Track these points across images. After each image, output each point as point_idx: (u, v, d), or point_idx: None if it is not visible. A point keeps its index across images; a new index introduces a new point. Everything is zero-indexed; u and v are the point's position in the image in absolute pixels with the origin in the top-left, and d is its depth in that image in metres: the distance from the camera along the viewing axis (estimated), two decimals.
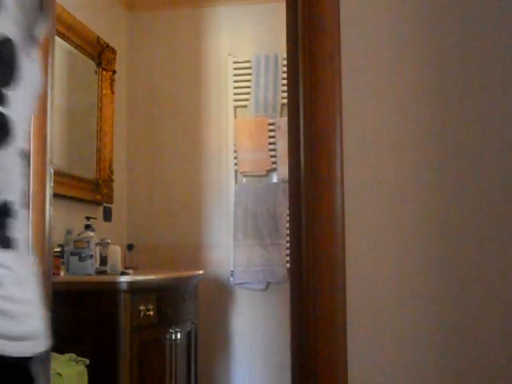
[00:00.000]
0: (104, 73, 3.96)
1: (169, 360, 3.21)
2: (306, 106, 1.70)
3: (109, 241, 3.35)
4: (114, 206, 4.04)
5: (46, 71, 1.86)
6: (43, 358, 0.85)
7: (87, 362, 2.57)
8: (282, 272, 4.00)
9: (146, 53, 4.36)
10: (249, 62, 4.12)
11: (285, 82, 3.81)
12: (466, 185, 1.61)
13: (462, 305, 1.59)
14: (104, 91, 3.94)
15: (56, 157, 2.15)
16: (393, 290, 1.63)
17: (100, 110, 3.90)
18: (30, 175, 0.95)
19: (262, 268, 4.02)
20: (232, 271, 4.05)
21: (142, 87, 4.35)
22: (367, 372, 1.62)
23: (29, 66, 0.90)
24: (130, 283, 2.88)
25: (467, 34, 1.64)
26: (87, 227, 3.23)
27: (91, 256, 3.05)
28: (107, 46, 3.98)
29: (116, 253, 3.22)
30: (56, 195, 2.16)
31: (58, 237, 3.04)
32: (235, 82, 4.15)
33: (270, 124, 4.08)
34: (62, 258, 3.08)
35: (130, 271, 3.21)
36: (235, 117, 4.17)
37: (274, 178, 4.11)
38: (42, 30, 0.94)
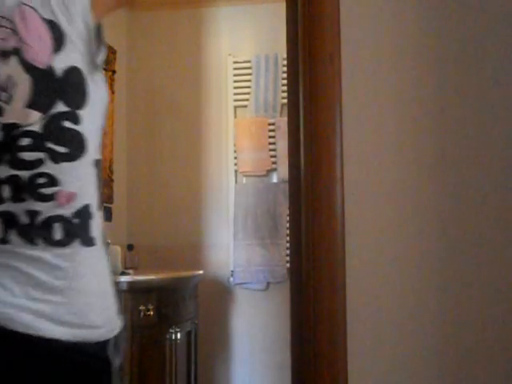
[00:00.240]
0: (104, 73, 3.96)
1: (169, 360, 3.21)
2: (306, 106, 1.70)
3: (109, 241, 3.34)
4: (114, 206, 4.03)
5: None
6: (116, 340, 1.02)
7: None
8: (282, 272, 4.00)
9: (145, 53, 4.36)
10: (249, 62, 4.12)
11: (285, 82, 3.81)
12: (467, 184, 1.61)
13: (463, 304, 1.59)
14: None
15: None
16: (393, 290, 1.63)
17: None
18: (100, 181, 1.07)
19: (262, 268, 4.02)
20: (232, 271, 4.06)
21: (142, 87, 4.35)
22: (367, 372, 1.62)
23: (94, 88, 1.07)
24: (130, 283, 2.88)
25: (468, 34, 1.64)
26: None
27: None
28: (107, 45, 3.98)
29: (116, 253, 3.22)
30: None
31: None
32: (235, 81, 4.15)
33: (269, 124, 4.08)
34: None
35: (130, 271, 3.21)
36: (235, 117, 4.17)
37: (274, 178, 4.11)
38: (101, 57, 1.12)
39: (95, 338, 1.01)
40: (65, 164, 1.03)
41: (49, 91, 1.02)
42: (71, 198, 1.04)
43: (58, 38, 1.03)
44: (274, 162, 4.08)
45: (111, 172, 3.99)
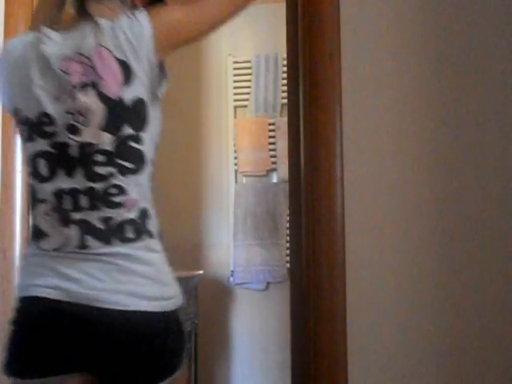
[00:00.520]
0: None
1: None
2: (306, 106, 1.70)
3: None
4: None
5: None
6: (182, 308, 1.32)
7: None
8: (282, 272, 4.00)
9: None
10: (249, 62, 4.12)
11: (285, 82, 3.81)
12: (467, 184, 1.61)
13: (462, 304, 1.59)
14: None
15: None
16: (393, 290, 1.63)
17: None
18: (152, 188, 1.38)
19: (262, 268, 4.01)
20: (232, 271, 4.05)
21: None
22: (367, 372, 1.62)
23: (153, 114, 1.31)
24: None
25: (468, 33, 1.64)
26: None
27: None
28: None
29: None
30: None
31: None
32: (235, 81, 4.14)
33: (270, 124, 4.08)
34: None
35: None
36: (235, 117, 4.16)
37: (274, 178, 4.11)
38: (162, 90, 1.34)
39: (170, 306, 1.29)
40: (130, 176, 1.27)
41: (119, 117, 1.25)
42: (135, 203, 1.29)
43: (128, 75, 1.25)
44: (273, 162, 4.08)
45: None
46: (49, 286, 1.26)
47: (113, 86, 1.24)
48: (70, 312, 1.23)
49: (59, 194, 1.26)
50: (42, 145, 1.27)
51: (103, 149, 1.24)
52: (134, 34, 1.25)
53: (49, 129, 1.26)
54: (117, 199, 1.26)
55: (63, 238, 1.27)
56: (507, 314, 1.57)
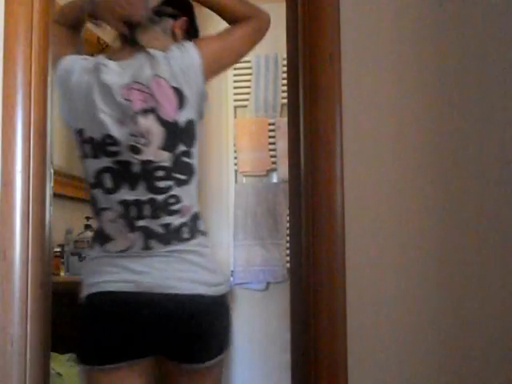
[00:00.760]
0: None
1: None
2: (306, 106, 1.70)
3: None
4: None
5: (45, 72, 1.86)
6: (228, 294, 1.51)
7: None
8: (281, 272, 4.00)
9: None
10: (249, 62, 4.11)
11: (285, 82, 3.81)
12: (467, 183, 1.61)
13: (463, 304, 1.59)
14: None
15: (56, 157, 2.15)
16: (393, 290, 1.63)
17: None
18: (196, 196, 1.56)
19: (262, 268, 4.01)
20: (232, 271, 4.05)
21: None
22: (367, 372, 1.62)
23: (198, 132, 1.48)
24: None
25: (468, 33, 1.64)
26: (87, 227, 3.23)
27: None
28: (107, 45, 3.98)
29: None
30: (56, 195, 2.16)
31: (58, 237, 3.04)
32: (235, 82, 4.14)
33: (270, 124, 4.08)
34: (62, 258, 3.08)
35: None
36: (235, 117, 4.16)
37: (274, 178, 4.11)
38: (205, 109, 1.51)
39: (220, 291, 1.47)
40: (184, 187, 1.46)
41: (175, 137, 1.44)
42: (188, 209, 1.48)
43: (181, 100, 1.43)
44: (273, 162, 4.08)
45: None
46: (119, 281, 1.44)
47: (169, 110, 1.42)
48: (142, 300, 1.41)
49: (125, 204, 1.45)
50: (106, 162, 1.44)
51: (162, 165, 1.43)
52: (185, 64, 1.45)
53: (113, 148, 1.43)
54: (174, 207, 1.46)
55: (129, 242, 1.46)
56: (508, 313, 1.57)
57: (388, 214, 1.64)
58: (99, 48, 3.87)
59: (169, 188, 1.44)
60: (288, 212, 1.94)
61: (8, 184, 1.76)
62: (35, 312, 1.76)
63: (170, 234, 1.45)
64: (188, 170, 1.47)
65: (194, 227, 1.49)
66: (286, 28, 1.94)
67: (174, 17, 1.57)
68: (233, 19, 1.57)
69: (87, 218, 3.32)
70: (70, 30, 1.59)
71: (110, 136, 1.42)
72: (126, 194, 1.44)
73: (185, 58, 1.45)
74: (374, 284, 1.63)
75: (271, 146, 4.08)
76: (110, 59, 1.47)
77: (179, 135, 1.44)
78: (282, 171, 3.98)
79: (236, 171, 4.14)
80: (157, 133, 1.42)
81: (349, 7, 1.67)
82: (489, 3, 1.63)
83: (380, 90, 1.66)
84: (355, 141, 1.65)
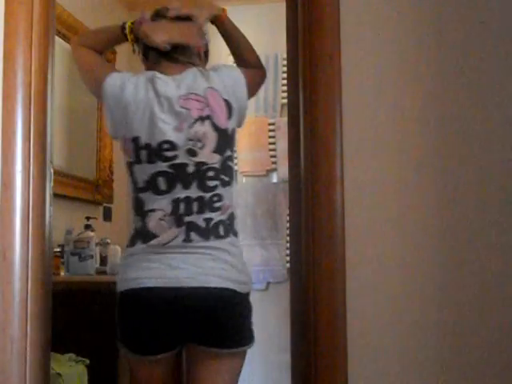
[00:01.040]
0: None
1: None
2: (306, 106, 1.70)
3: (109, 241, 3.34)
4: (113, 206, 4.03)
5: (45, 72, 1.86)
6: (249, 293, 1.68)
7: (87, 362, 2.57)
8: (281, 272, 4.00)
9: None
10: None
11: (285, 82, 3.81)
12: (467, 183, 1.61)
13: (462, 305, 1.59)
14: None
15: (56, 157, 2.15)
16: (393, 290, 1.63)
17: (100, 109, 3.89)
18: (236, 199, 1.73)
19: (262, 268, 4.02)
20: None
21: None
22: (367, 372, 1.62)
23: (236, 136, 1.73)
24: None
25: (469, 33, 1.64)
26: (87, 227, 3.23)
27: (91, 256, 3.04)
28: None
29: (116, 253, 3.22)
30: (56, 195, 2.16)
31: (58, 237, 3.04)
32: None
33: (270, 124, 4.08)
34: (62, 257, 3.08)
35: None
36: None
37: (274, 178, 4.11)
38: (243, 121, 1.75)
39: (245, 289, 1.65)
40: (226, 187, 1.65)
41: (224, 143, 1.65)
42: (228, 208, 1.66)
43: (230, 111, 1.66)
44: (273, 162, 4.08)
45: (111, 172, 3.99)
46: (158, 277, 1.59)
47: (222, 118, 1.64)
48: (179, 294, 1.58)
49: (176, 202, 1.61)
50: (161, 166, 1.61)
51: (213, 166, 1.63)
52: (234, 81, 1.69)
53: (169, 153, 1.61)
54: (217, 205, 1.63)
55: (173, 235, 1.62)
56: (508, 314, 1.57)
57: (388, 213, 1.64)
58: None
59: (215, 187, 1.63)
60: (288, 212, 1.94)
61: (8, 184, 1.76)
62: (35, 312, 1.76)
63: (208, 228, 1.62)
64: (230, 173, 1.68)
65: (229, 226, 1.67)
66: (286, 28, 1.94)
67: None
68: (244, 62, 1.82)
69: (87, 218, 3.32)
70: (98, 52, 1.79)
71: (168, 142, 1.61)
72: (179, 193, 1.61)
73: (232, 76, 1.70)
74: (374, 284, 1.63)
75: (271, 146, 4.08)
76: (165, 75, 1.67)
77: (228, 141, 1.66)
78: (282, 171, 3.99)
79: (236, 171, 4.13)
80: (211, 137, 1.62)
81: (349, 7, 1.67)
82: (489, 2, 1.64)
83: (380, 89, 1.66)
84: (355, 141, 1.65)
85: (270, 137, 4.08)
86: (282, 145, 3.86)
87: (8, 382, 1.71)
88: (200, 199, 1.62)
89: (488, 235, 1.59)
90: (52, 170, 1.90)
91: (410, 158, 1.64)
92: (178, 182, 1.62)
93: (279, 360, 3.80)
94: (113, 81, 1.69)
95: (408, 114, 1.64)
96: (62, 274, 3.04)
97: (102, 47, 1.81)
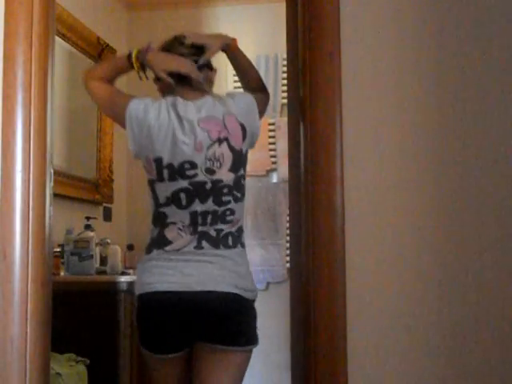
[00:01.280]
0: None
1: None
2: (306, 106, 1.70)
3: (109, 241, 3.34)
4: (113, 206, 4.03)
5: (45, 72, 1.86)
6: (255, 300, 1.83)
7: (87, 361, 2.57)
8: (281, 272, 4.00)
9: None
10: None
11: (285, 82, 3.81)
12: (467, 184, 1.61)
13: (462, 305, 1.59)
14: None
15: (56, 157, 2.15)
16: (393, 290, 1.63)
17: (100, 110, 3.89)
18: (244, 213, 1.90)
19: (262, 268, 4.02)
20: None
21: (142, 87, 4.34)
22: (367, 372, 1.62)
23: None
24: (130, 283, 2.87)
25: (469, 33, 1.64)
26: (87, 227, 3.23)
27: (91, 256, 3.04)
28: (107, 45, 3.98)
29: (116, 253, 3.22)
30: (56, 195, 2.16)
31: (58, 237, 3.04)
32: (235, 82, 4.14)
33: (269, 124, 4.08)
34: (62, 257, 3.07)
35: (130, 271, 3.20)
36: None
37: (274, 178, 4.11)
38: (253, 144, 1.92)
39: (250, 296, 1.80)
40: (238, 202, 1.82)
41: (239, 162, 1.81)
42: (237, 221, 1.83)
43: (244, 133, 1.82)
44: (273, 162, 4.08)
45: (111, 172, 3.99)
46: (173, 282, 1.75)
47: (237, 140, 1.80)
48: (190, 298, 1.73)
49: (194, 215, 1.78)
50: (182, 184, 1.77)
51: (227, 184, 1.79)
52: (248, 106, 1.85)
53: (190, 172, 1.77)
54: (229, 218, 1.80)
55: (186, 242, 1.78)
56: (508, 314, 1.57)
57: (388, 213, 1.64)
58: (99, 48, 3.87)
59: (228, 202, 1.79)
60: (288, 212, 1.94)
61: (8, 184, 1.76)
62: (35, 312, 1.75)
63: (219, 238, 1.79)
64: (242, 190, 1.84)
65: (238, 238, 1.83)
66: (286, 28, 1.94)
67: (211, 68, 1.93)
68: (250, 86, 1.94)
69: (87, 218, 3.32)
70: (108, 82, 1.91)
71: (189, 162, 1.76)
72: (197, 207, 1.78)
73: (246, 102, 1.86)
74: (374, 284, 1.63)
75: (271, 146, 4.08)
76: (185, 100, 1.82)
77: (242, 161, 1.83)
78: (282, 171, 3.98)
79: None
80: (227, 158, 1.78)
81: (349, 7, 1.67)
82: (489, 3, 1.64)
83: (380, 89, 1.66)
84: (355, 141, 1.65)
85: (270, 137, 4.08)
86: (282, 145, 3.86)
87: (8, 382, 1.71)
88: (214, 212, 1.79)
89: (488, 235, 1.59)
90: (52, 170, 1.90)
91: (410, 157, 1.64)
92: (196, 197, 1.78)
93: (279, 360, 3.80)
94: (136, 105, 1.83)
95: (408, 113, 1.64)
96: (62, 274, 3.04)
97: (110, 77, 1.92)
